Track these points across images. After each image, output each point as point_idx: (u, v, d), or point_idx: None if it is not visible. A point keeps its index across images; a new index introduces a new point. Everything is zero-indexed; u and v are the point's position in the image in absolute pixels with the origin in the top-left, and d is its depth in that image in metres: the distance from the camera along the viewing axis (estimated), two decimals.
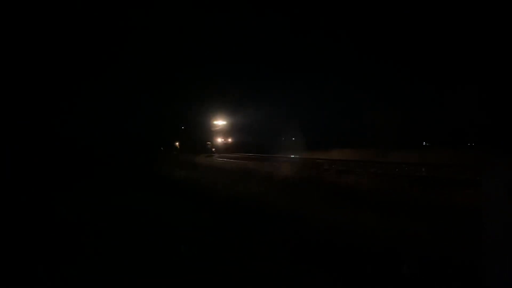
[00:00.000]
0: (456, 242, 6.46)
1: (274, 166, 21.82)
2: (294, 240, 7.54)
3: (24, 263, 6.80)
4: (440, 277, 5.29)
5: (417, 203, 10.43)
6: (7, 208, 12.34)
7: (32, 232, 9.05)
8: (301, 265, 6.30)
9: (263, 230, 8.19)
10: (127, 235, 8.50)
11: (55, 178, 21.32)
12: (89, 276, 6.12)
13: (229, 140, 61.56)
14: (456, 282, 5.13)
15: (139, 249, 7.31)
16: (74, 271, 6.33)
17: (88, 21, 60.04)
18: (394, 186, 13.44)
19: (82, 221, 10.24)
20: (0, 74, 41.62)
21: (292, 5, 75.04)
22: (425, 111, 51.84)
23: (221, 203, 12.37)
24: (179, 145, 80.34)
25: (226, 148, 57.58)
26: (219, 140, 61.25)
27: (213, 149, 59.08)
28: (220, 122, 61.43)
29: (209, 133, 62.79)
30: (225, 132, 61.31)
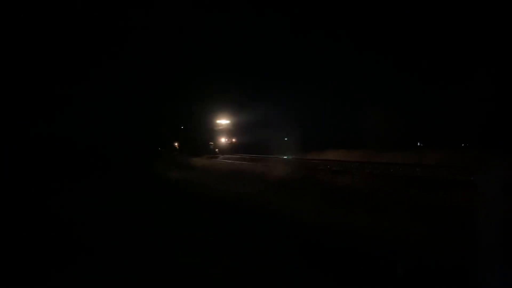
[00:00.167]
0: (449, 241, 6.50)
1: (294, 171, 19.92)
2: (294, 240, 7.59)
3: (20, 263, 6.77)
4: (433, 277, 5.27)
5: (410, 203, 10.47)
6: (5, 209, 12.32)
7: (29, 232, 9.00)
8: (296, 263, 6.39)
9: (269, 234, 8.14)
10: (122, 239, 8.37)
11: (54, 178, 21.22)
12: (87, 277, 6.09)
13: (233, 140, 57.71)
14: (450, 282, 5.12)
15: (136, 253, 7.22)
16: (72, 272, 6.30)
17: (88, 21, 59.67)
18: (387, 187, 13.51)
19: (78, 222, 10.19)
20: (0, 74, 41.49)
21: (292, 5, 74.64)
22: (419, 112, 51.79)
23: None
24: (179, 145, 77.38)
25: (231, 149, 54.15)
26: (223, 140, 57.39)
27: (216, 150, 55.81)
28: (223, 121, 57.70)
29: (212, 133, 59.23)
30: (229, 132, 57.60)
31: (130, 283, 5.88)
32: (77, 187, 17.96)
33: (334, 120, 65.01)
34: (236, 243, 7.53)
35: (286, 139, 53.36)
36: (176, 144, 78.57)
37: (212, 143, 59.17)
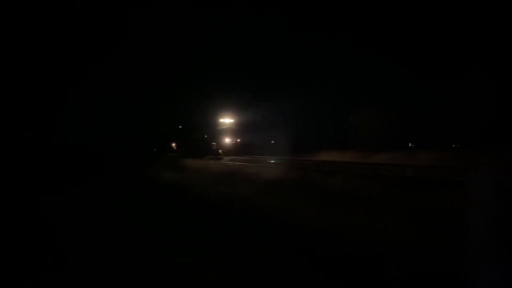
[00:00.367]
0: (440, 242, 6.53)
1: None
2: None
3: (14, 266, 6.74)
4: (425, 278, 5.29)
5: (401, 203, 10.52)
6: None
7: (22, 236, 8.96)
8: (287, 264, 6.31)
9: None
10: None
11: (52, 179, 21.11)
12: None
13: (238, 140, 52.60)
14: (442, 282, 5.14)
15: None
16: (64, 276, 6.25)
17: (87, 21, 59.24)
18: (378, 187, 13.56)
19: (70, 223, 10.13)
20: (0, 74, 41.32)
21: (292, 5, 74.15)
22: (410, 112, 51.66)
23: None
24: (177, 146, 72.89)
25: (235, 150, 49.64)
26: (227, 140, 52.46)
27: (220, 151, 51.25)
28: (227, 120, 52.89)
29: (215, 132, 54.51)
30: (233, 132, 52.65)
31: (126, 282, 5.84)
32: (71, 188, 17.62)
33: (334, 120, 62.84)
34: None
35: (293, 139, 48.87)
36: (174, 144, 74.74)
37: (214, 143, 54.53)
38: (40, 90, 48.64)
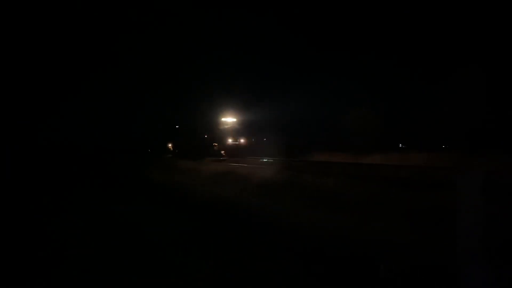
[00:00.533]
0: (431, 242, 6.55)
1: None
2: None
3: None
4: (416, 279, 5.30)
5: (391, 203, 10.55)
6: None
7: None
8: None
9: None
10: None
11: (48, 180, 20.90)
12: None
13: (242, 141, 48.58)
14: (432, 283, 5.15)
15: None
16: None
17: (87, 21, 58.57)
18: (368, 187, 13.60)
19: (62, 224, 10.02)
20: (1, 74, 41.04)
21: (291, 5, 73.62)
22: (401, 113, 51.69)
23: None
24: (173, 147, 68.23)
25: (239, 151, 44.90)
26: (230, 141, 48.07)
27: (222, 152, 46.86)
28: (229, 119, 48.46)
29: (216, 132, 50.26)
30: (237, 132, 48.45)
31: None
32: (64, 190, 17.30)
33: (330, 120, 60.64)
34: None
35: (296, 139, 48.60)
36: (170, 145, 70.74)
37: (216, 144, 50.25)
38: (38, 90, 48.23)
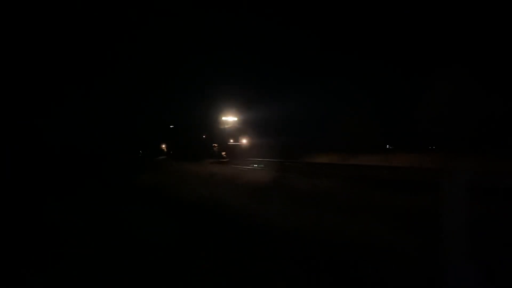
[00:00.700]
0: (416, 242, 6.59)
1: None
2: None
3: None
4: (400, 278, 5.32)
5: (378, 204, 10.59)
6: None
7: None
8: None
9: None
10: None
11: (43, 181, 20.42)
12: None
13: (244, 141, 44.24)
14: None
15: None
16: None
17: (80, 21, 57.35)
18: (355, 187, 13.67)
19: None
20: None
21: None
22: (388, 114, 51.41)
23: None
24: (168, 148, 64.86)
25: (241, 152, 40.81)
26: (232, 141, 44.30)
27: (223, 153, 42.87)
28: (230, 119, 44.54)
29: (215, 132, 46.24)
30: (239, 131, 44.45)
31: None
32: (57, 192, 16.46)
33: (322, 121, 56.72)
34: None
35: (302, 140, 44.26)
36: (164, 146, 66.56)
37: (216, 145, 46.40)
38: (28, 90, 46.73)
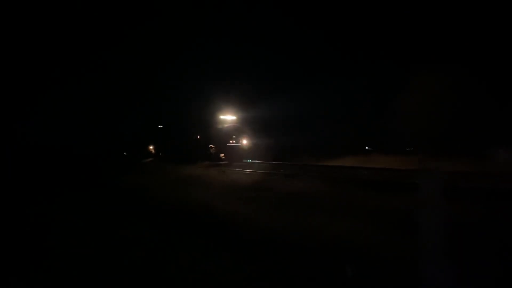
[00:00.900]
0: (393, 241, 6.69)
1: None
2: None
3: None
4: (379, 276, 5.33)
5: (357, 204, 10.62)
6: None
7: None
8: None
9: None
10: None
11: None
12: None
13: (245, 142, 38.71)
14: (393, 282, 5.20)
15: None
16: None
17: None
18: (335, 188, 13.70)
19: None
20: None
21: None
22: (367, 116, 51.16)
23: None
24: (156, 149, 59.35)
25: (242, 154, 36.71)
26: (232, 142, 38.91)
27: (222, 155, 37.87)
28: (229, 117, 40.00)
29: (212, 132, 40.52)
30: (239, 131, 39.28)
31: None
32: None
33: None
34: None
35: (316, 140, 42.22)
36: (152, 147, 60.79)
37: (213, 146, 40.05)
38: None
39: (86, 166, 33.84)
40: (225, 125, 39.90)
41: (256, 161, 30.95)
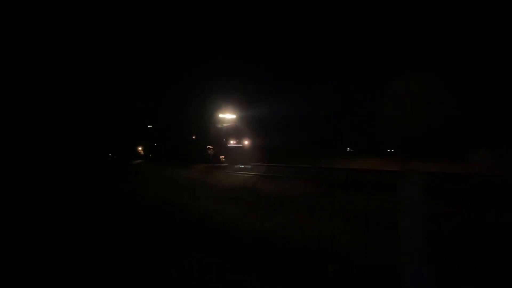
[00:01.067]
0: (373, 241, 6.72)
1: None
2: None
3: None
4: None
5: (338, 205, 10.57)
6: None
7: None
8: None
9: None
10: None
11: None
12: None
13: (246, 142, 34.99)
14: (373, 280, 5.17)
15: None
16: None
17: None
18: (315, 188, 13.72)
19: None
20: None
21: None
22: (348, 117, 51.31)
23: None
24: (145, 150, 54.30)
25: (243, 156, 31.99)
26: (231, 142, 34.90)
27: (222, 157, 34.00)
28: (229, 116, 35.46)
29: (210, 133, 36.03)
30: (239, 131, 35.09)
31: None
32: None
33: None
34: None
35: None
36: (141, 149, 56.02)
37: (211, 147, 35.74)
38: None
39: (72, 170, 31.61)
40: (225, 125, 35.32)
41: (263, 164, 26.91)
